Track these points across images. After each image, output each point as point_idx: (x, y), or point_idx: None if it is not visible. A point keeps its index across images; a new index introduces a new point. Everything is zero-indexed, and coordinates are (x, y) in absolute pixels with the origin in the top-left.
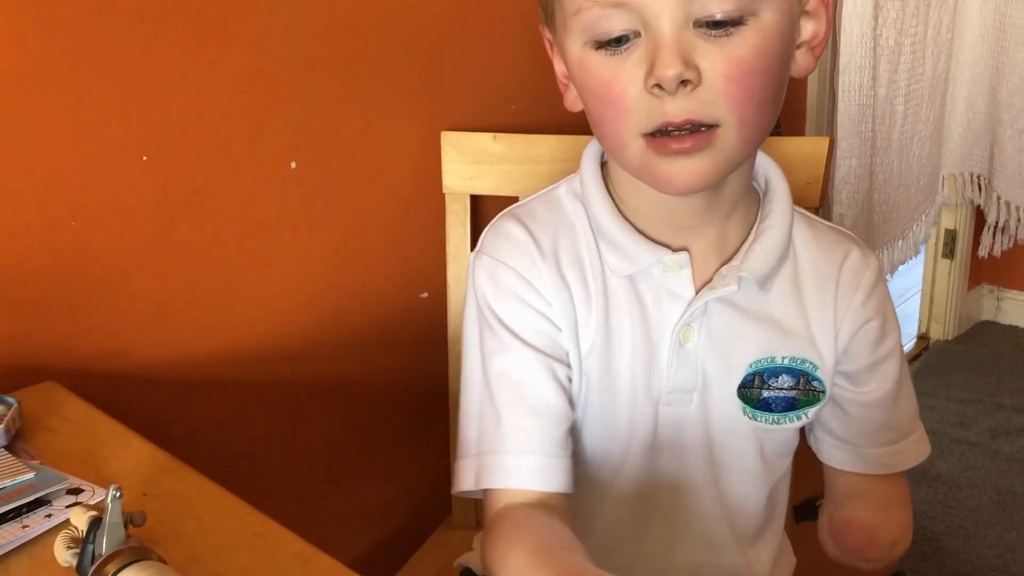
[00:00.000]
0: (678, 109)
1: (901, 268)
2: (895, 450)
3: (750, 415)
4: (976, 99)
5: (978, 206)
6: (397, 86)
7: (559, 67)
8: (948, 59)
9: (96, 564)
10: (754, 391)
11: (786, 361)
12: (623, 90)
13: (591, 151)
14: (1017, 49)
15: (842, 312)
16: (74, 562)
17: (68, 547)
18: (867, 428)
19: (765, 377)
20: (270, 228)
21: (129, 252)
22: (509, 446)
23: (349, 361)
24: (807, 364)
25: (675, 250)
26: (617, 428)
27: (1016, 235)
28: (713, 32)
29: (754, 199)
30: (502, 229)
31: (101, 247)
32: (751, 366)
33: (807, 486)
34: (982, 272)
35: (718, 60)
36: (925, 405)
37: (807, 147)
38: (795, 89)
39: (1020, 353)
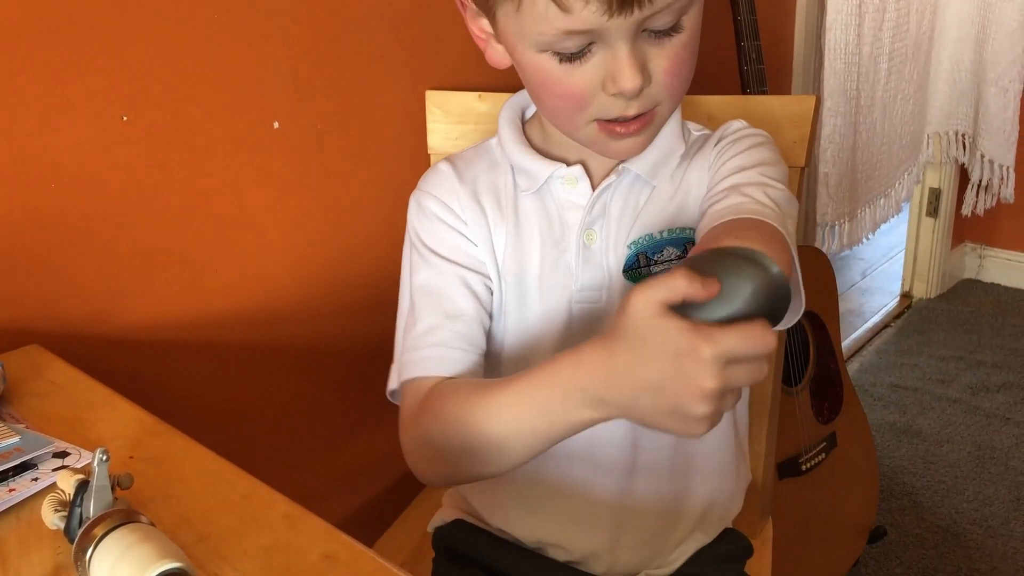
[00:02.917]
0: (632, 107)
1: (884, 227)
2: (741, 199)
3: None
4: (962, 57)
5: (962, 165)
6: (381, 45)
7: (478, 25)
8: (933, 16)
9: (84, 527)
10: (641, 270)
11: (665, 235)
12: (582, 91)
13: (507, 104)
14: (1004, 5)
15: (711, 175)
16: (62, 525)
17: (56, 510)
18: (722, 214)
19: (649, 254)
20: (254, 188)
21: (111, 214)
22: (421, 342)
23: (335, 322)
24: (687, 231)
25: (571, 164)
26: (533, 332)
27: (999, 193)
28: (657, 36)
29: None
30: (434, 168)
31: (82, 209)
32: (630, 247)
33: (788, 444)
34: (965, 230)
35: (662, 60)
36: (907, 363)
37: (794, 106)
38: (782, 47)
39: (1001, 311)
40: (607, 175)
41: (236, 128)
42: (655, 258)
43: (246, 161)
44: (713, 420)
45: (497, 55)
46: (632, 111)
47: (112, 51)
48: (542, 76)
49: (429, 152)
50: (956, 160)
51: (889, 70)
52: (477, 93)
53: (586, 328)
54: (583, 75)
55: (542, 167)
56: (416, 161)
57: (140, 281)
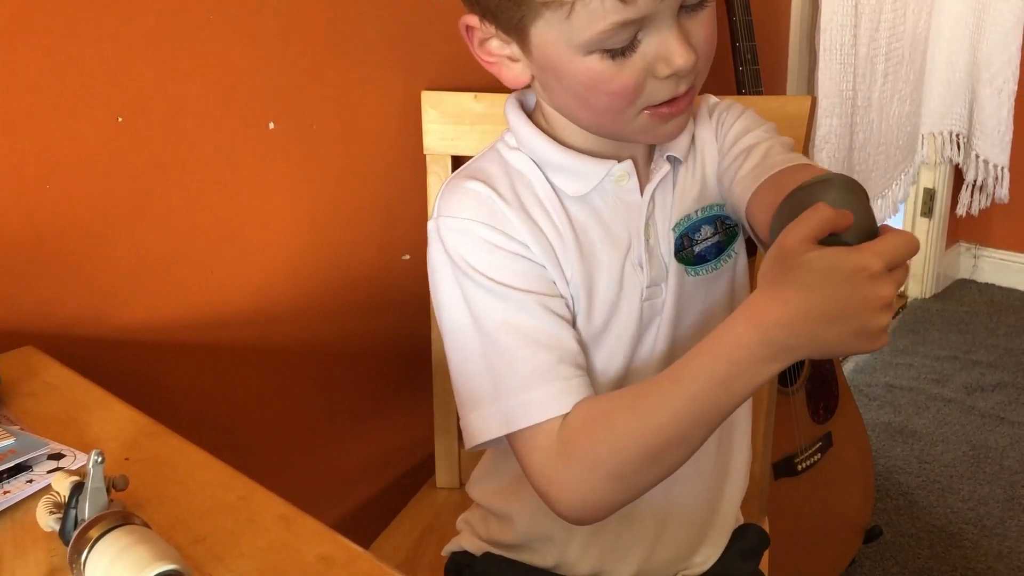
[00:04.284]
0: (683, 85)
1: None
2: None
3: (693, 273)
4: (956, 57)
5: (957, 165)
6: (376, 45)
7: (486, 50)
8: (929, 17)
9: (79, 529)
10: (687, 251)
11: (699, 213)
12: (635, 82)
13: (512, 105)
14: (998, 6)
15: (719, 144)
16: (57, 527)
17: (51, 512)
18: (757, 172)
19: (691, 235)
20: (249, 190)
21: (106, 215)
22: (530, 382)
23: (331, 323)
24: (715, 208)
25: (621, 160)
26: (603, 338)
27: (994, 193)
28: (692, 10)
29: None
30: (460, 188)
31: (78, 210)
32: (675, 231)
33: (784, 444)
34: (959, 230)
35: (700, 30)
36: (902, 363)
37: (790, 106)
38: (776, 47)
39: (995, 310)
40: (651, 165)
41: (231, 129)
42: (695, 237)
43: (241, 162)
44: (888, 326)
45: (513, 74)
46: (683, 88)
47: (107, 52)
48: (591, 79)
49: (425, 152)
50: (951, 160)
51: (886, 71)
52: (473, 93)
53: (649, 323)
54: (633, 66)
55: (594, 168)
56: (412, 161)
57: (135, 282)
